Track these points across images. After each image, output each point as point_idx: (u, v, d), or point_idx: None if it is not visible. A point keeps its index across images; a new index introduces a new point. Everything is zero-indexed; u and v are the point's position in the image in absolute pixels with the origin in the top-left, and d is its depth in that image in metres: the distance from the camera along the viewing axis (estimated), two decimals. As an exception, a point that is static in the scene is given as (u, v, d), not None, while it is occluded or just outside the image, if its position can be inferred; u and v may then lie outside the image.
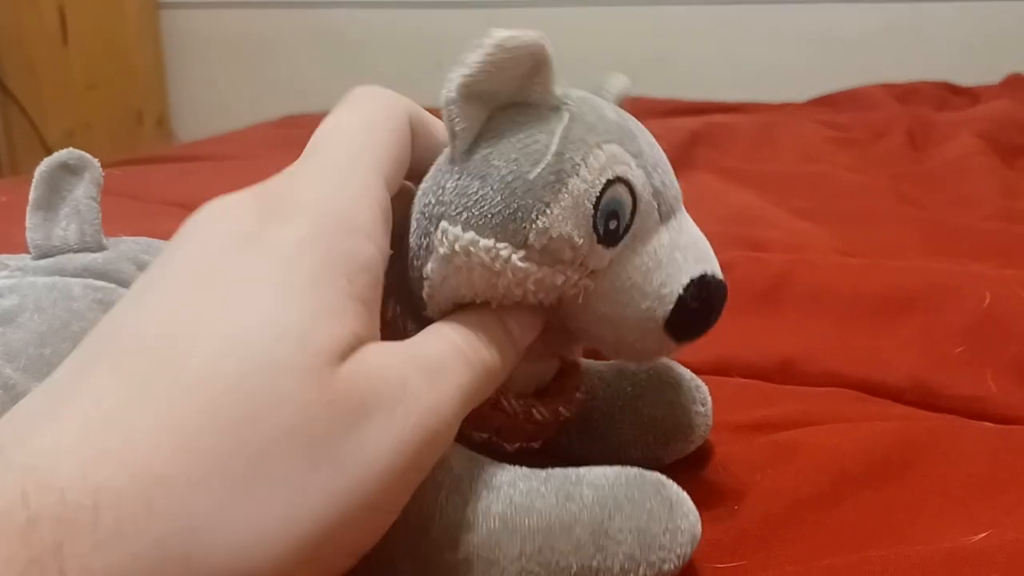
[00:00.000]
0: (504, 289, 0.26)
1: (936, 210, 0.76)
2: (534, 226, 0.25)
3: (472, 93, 0.25)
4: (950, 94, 1.35)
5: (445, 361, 0.24)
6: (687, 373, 0.35)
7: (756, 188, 0.82)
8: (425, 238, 0.26)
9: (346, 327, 0.22)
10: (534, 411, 0.29)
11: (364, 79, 0.29)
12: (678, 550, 0.26)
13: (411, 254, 0.27)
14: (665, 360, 0.35)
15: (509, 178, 0.25)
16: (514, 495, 0.26)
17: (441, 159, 0.27)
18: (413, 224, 0.27)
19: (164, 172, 0.94)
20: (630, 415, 0.33)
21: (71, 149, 0.37)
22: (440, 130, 0.28)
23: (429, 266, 0.26)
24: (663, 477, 0.27)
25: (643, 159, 0.27)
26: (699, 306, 0.27)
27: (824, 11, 1.71)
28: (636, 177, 0.27)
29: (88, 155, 0.37)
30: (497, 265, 0.25)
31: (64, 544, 0.17)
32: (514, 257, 0.25)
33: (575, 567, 0.25)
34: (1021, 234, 0.64)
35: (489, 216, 0.25)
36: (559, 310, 0.28)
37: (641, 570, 0.25)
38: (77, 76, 1.70)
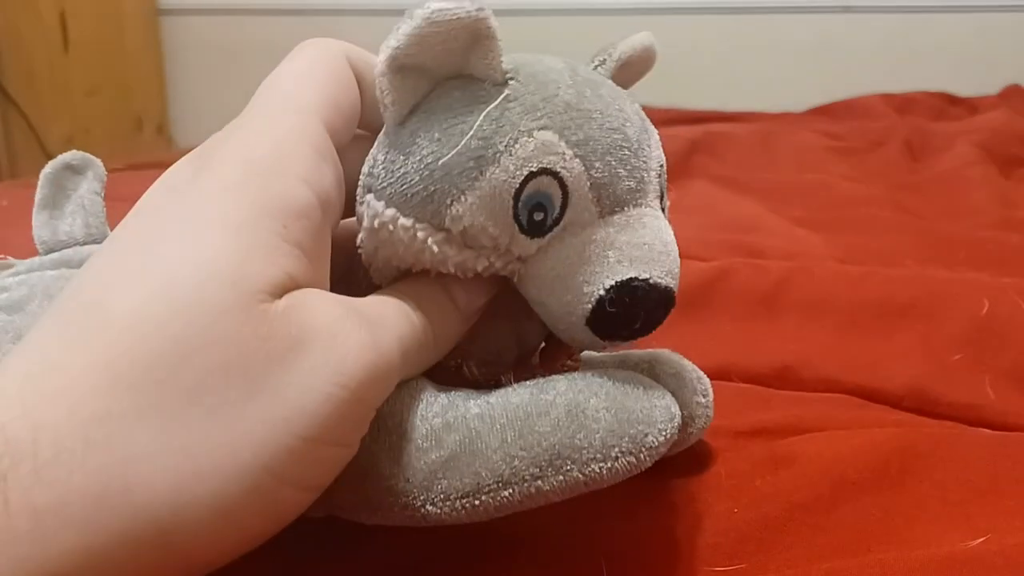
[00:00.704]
0: (431, 264, 0.26)
1: (933, 219, 0.77)
2: (449, 212, 0.25)
3: (404, 65, 0.25)
4: (948, 104, 1.35)
5: (384, 312, 0.25)
6: (688, 364, 0.34)
7: (754, 197, 0.82)
8: (360, 207, 0.26)
9: (278, 266, 0.22)
10: (502, 379, 0.28)
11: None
12: (659, 424, 0.25)
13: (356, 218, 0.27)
14: (667, 352, 0.35)
15: (429, 159, 0.25)
16: (489, 397, 0.26)
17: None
18: (357, 197, 0.27)
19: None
20: None
21: (74, 150, 0.38)
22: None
23: (360, 235, 0.27)
24: (635, 373, 0.27)
25: (587, 148, 0.26)
26: (619, 311, 0.26)
27: (822, 22, 1.72)
28: (569, 168, 0.25)
29: (90, 155, 0.38)
30: (416, 245, 0.25)
31: (7, 475, 0.18)
32: (431, 239, 0.25)
33: (557, 446, 0.24)
34: (1018, 244, 0.65)
35: (409, 195, 0.25)
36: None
37: (624, 443, 0.25)
38: (77, 82, 1.70)
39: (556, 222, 0.26)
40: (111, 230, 0.36)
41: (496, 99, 0.25)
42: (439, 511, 0.25)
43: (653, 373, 0.33)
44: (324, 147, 0.25)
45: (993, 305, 0.46)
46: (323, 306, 0.23)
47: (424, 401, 0.26)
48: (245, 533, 0.21)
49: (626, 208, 0.27)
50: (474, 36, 0.25)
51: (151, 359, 0.20)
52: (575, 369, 0.31)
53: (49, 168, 0.37)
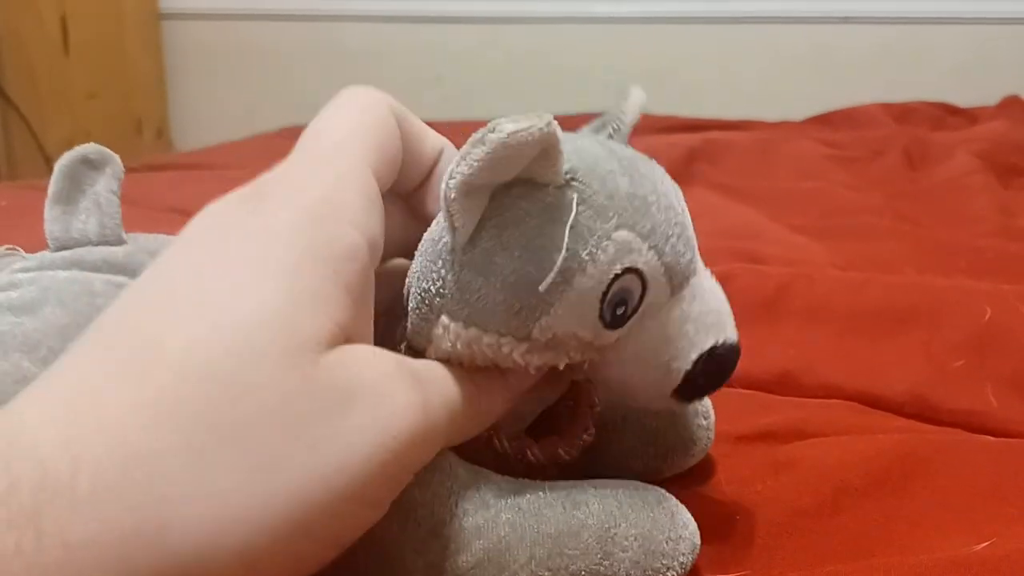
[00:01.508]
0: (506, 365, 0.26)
1: (933, 228, 0.77)
2: (537, 324, 0.25)
3: (473, 188, 0.24)
4: (947, 115, 1.35)
5: (435, 377, 0.25)
6: None
7: (754, 204, 0.82)
8: (424, 323, 0.26)
9: (329, 315, 0.22)
10: (528, 453, 0.28)
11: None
12: (680, 558, 0.26)
13: (409, 328, 0.27)
14: None
15: (512, 278, 0.24)
16: (521, 502, 0.26)
17: (434, 233, 0.26)
18: (411, 301, 0.27)
19: (165, 179, 0.94)
20: (632, 426, 0.33)
21: (93, 144, 0.36)
22: (421, 128, 0.28)
23: (430, 350, 0.26)
24: (662, 490, 0.28)
25: (655, 235, 0.26)
26: (708, 380, 0.27)
27: (823, 31, 1.72)
28: (648, 262, 0.25)
29: (109, 150, 0.36)
30: (500, 356, 0.26)
31: (43, 508, 0.18)
32: (516, 352, 0.25)
33: (583, 572, 0.25)
34: (1018, 252, 0.65)
35: (492, 313, 0.25)
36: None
37: (648, 565, 0.26)
38: (77, 85, 1.70)
39: (635, 311, 0.26)
40: (126, 233, 0.36)
41: (571, 207, 0.25)
42: None
43: None
44: (372, 193, 0.25)
45: (995, 312, 0.46)
46: (374, 361, 0.22)
47: (457, 494, 0.26)
48: None
49: (690, 279, 0.27)
50: (543, 148, 0.24)
51: (197, 401, 0.20)
52: (591, 443, 0.31)
53: (65, 160, 0.35)
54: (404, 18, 1.84)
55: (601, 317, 0.25)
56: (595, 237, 0.25)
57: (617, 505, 0.26)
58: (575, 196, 0.25)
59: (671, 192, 0.27)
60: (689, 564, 0.27)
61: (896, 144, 1.11)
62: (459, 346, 0.25)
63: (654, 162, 0.28)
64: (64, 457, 0.19)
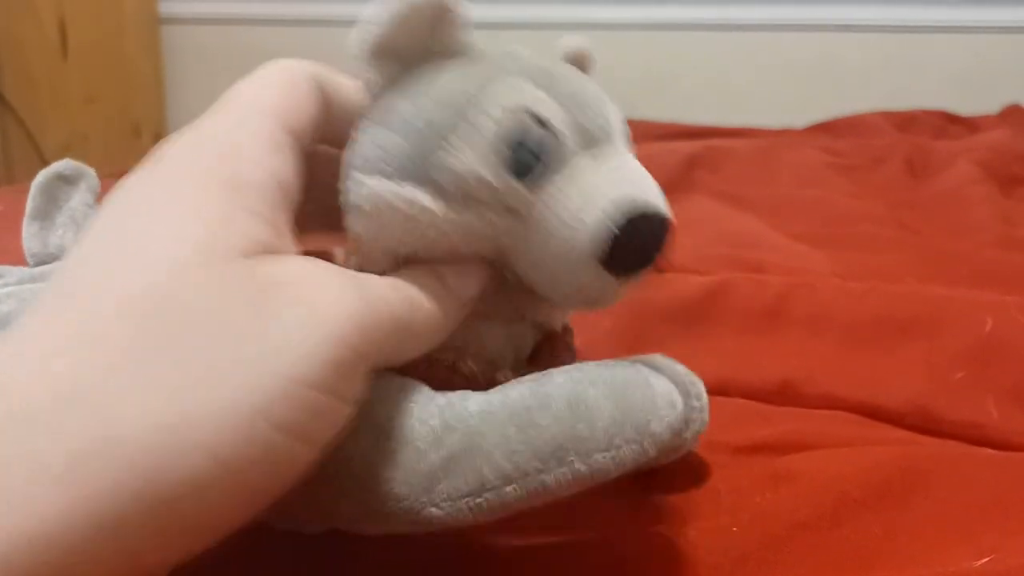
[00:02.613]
0: (428, 237, 0.26)
1: (934, 237, 0.76)
2: (439, 164, 0.25)
3: (380, 50, 0.26)
4: (948, 123, 1.35)
5: (371, 279, 0.25)
6: (681, 368, 0.34)
7: (754, 212, 0.82)
8: (348, 194, 0.27)
9: (242, 233, 0.23)
10: (498, 375, 0.28)
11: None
12: (661, 411, 0.26)
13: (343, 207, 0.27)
14: (658, 355, 0.34)
15: (411, 118, 0.26)
16: (488, 395, 0.25)
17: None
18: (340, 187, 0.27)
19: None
20: None
21: (67, 160, 0.37)
22: (350, 85, 0.29)
23: (351, 219, 0.27)
24: (633, 362, 0.27)
25: (558, 91, 0.27)
26: (624, 230, 0.25)
27: (824, 39, 1.72)
28: (549, 108, 0.26)
29: (84, 165, 0.37)
30: (410, 209, 0.25)
31: None
32: (425, 199, 0.25)
33: (559, 438, 0.24)
34: (1019, 262, 0.64)
35: (395, 160, 0.25)
36: (507, 264, 0.28)
37: (627, 431, 0.25)
38: (76, 88, 1.70)
39: (543, 162, 0.26)
40: None
41: (467, 60, 0.27)
42: (443, 513, 0.24)
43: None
44: (278, 138, 0.25)
45: (996, 323, 0.45)
46: (299, 263, 0.23)
47: (421, 403, 0.25)
48: (245, 488, 0.21)
49: (602, 146, 0.27)
50: (439, 10, 0.26)
51: (129, 324, 0.20)
52: None
53: (41, 178, 0.36)
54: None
55: (505, 162, 0.25)
56: (492, 82, 0.26)
57: (584, 375, 0.26)
58: (475, 55, 0.27)
59: (589, 83, 0.28)
60: (672, 418, 0.26)
61: (897, 153, 1.10)
62: (372, 201, 0.26)
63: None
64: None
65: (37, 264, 0.36)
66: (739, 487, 0.34)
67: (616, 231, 0.25)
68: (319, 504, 0.25)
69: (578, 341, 0.33)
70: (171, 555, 0.20)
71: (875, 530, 0.31)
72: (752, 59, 1.75)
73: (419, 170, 0.25)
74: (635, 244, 0.26)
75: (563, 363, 0.30)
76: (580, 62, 0.31)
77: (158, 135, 1.92)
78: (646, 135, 1.23)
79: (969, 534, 0.30)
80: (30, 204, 0.36)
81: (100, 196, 0.39)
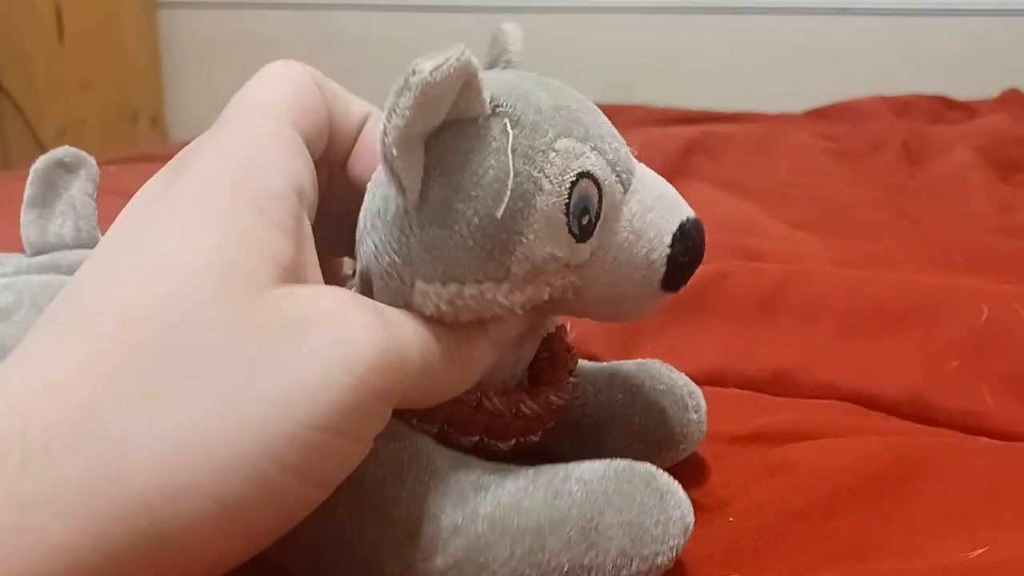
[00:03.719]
0: (491, 314, 0.26)
1: (931, 223, 0.76)
2: (514, 258, 0.25)
3: (410, 139, 0.23)
4: (946, 108, 1.35)
5: (402, 316, 0.24)
6: (680, 379, 0.34)
7: (752, 198, 0.82)
8: (398, 296, 0.25)
9: (266, 253, 0.22)
10: (522, 406, 0.28)
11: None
12: (671, 541, 0.26)
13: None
14: (658, 365, 0.34)
15: (476, 220, 0.24)
16: (502, 495, 0.25)
17: (376, 204, 0.26)
18: (377, 282, 0.26)
19: (158, 169, 0.93)
20: (621, 422, 0.33)
21: (67, 147, 0.36)
22: (345, 95, 0.28)
23: (424, 312, 0.26)
24: (653, 468, 0.27)
25: (591, 136, 0.26)
26: (689, 257, 0.27)
27: (822, 23, 1.71)
28: (596, 163, 0.26)
29: (84, 153, 0.37)
30: (485, 305, 0.25)
31: None
32: (499, 294, 0.25)
33: (567, 566, 0.24)
34: (1016, 249, 0.64)
35: (467, 263, 0.24)
36: (555, 306, 0.28)
37: (635, 564, 0.25)
38: (72, 74, 1.69)
39: (598, 216, 0.26)
40: (102, 234, 0.36)
41: (505, 131, 0.25)
42: None
43: (644, 388, 0.33)
44: (295, 145, 0.25)
45: (992, 312, 0.45)
46: (325, 291, 0.22)
47: (434, 491, 0.25)
48: (249, 530, 0.20)
49: (634, 173, 0.28)
50: (465, 80, 0.23)
51: (142, 347, 0.20)
52: (577, 384, 0.31)
53: (40, 164, 0.35)
54: (401, 6, 1.83)
55: (571, 231, 0.25)
56: (539, 153, 0.25)
57: (602, 492, 0.25)
58: (506, 120, 0.25)
59: (584, 99, 0.28)
60: (680, 546, 0.26)
61: (895, 138, 1.10)
62: (442, 306, 0.25)
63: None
64: (11, 420, 0.19)
65: (35, 253, 0.36)
66: (734, 477, 0.34)
67: (681, 260, 0.27)
68: (315, 570, 0.25)
69: (572, 334, 0.33)
70: None
71: (870, 520, 0.31)
72: (749, 44, 1.74)
73: (494, 269, 0.25)
74: (691, 258, 0.28)
75: (565, 369, 0.30)
76: (512, 48, 0.30)
77: (155, 121, 1.91)
78: (644, 120, 1.22)
79: (964, 524, 0.30)
80: (28, 191, 0.35)
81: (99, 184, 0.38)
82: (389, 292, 0.26)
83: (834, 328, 0.48)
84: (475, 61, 0.23)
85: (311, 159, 0.25)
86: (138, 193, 0.25)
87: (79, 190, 0.36)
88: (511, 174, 0.24)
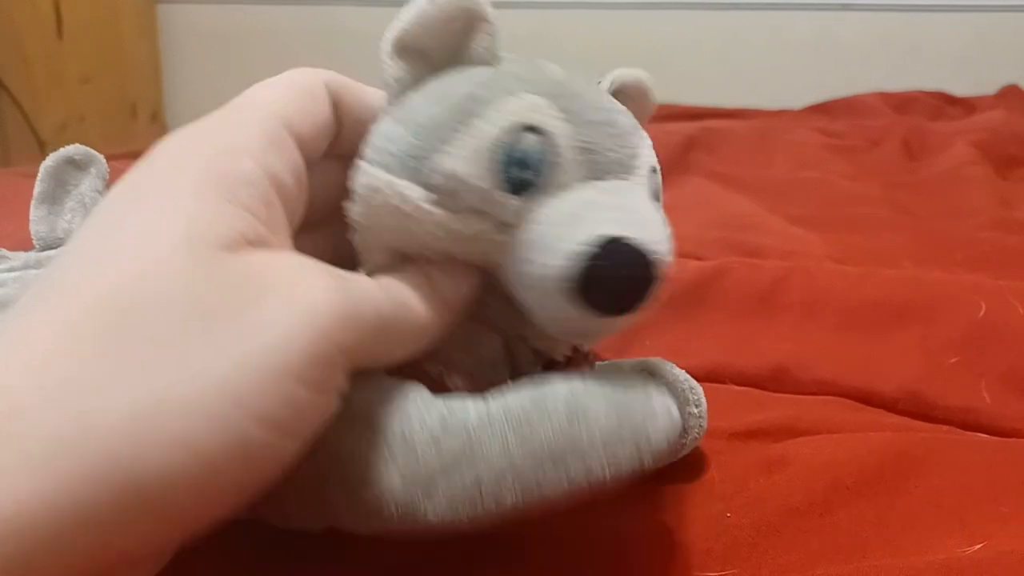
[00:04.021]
0: (419, 237, 0.26)
1: (931, 219, 0.76)
2: (436, 165, 0.25)
3: (407, 46, 0.26)
4: (946, 104, 1.35)
5: (357, 278, 0.25)
6: (680, 374, 0.34)
7: (751, 194, 0.82)
8: (350, 181, 0.27)
9: (230, 225, 0.22)
10: (491, 390, 0.28)
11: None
12: (661, 426, 0.25)
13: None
14: (658, 361, 0.34)
15: (420, 118, 0.26)
16: (488, 402, 0.25)
17: None
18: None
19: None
20: None
21: (78, 145, 0.37)
22: (366, 91, 0.29)
23: (353, 209, 0.27)
24: (633, 374, 0.27)
25: (574, 115, 0.26)
26: (607, 267, 0.24)
27: (822, 19, 1.71)
28: (558, 129, 0.26)
29: (94, 151, 0.37)
30: (404, 205, 0.25)
31: None
32: (418, 196, 0.25)
33: (559, 450, 0.24)
34: (1015, 245, 0.64)
35: (399, 155, 0.26)
36: (500, 278, 0.28)
37: (627, 446, 0.24)
38: (71, 69, 1.69)
39: (541, 180, 0.26)
40: None
41: (488, 69, 0.27)
42: (440, 518, 0.24)
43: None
44: (277, 137, 0.25)
45: (990, 308, 0.45)
46: (284, 257, 0.23)
47: (422, 407, 0.25)
48: (224, 480, 0.21)
49: (611, 179, 0.27)
50: (471, 20, 0.26)
51: (107, 315, 0.21)
52: None
53: (50, 161, 0.36)
54: (400, 2, 1.83)
55: (501, 174, 0.25)
56: (505, 92, 0.26)
57: (585, 387, 0.25)
58: (501, 66, 0.27)
59: (621, 114, 0.28)
60: (671, 433, 0.25)
61: (895, 134, 1.10)
62: (369, 190, 0.26)
63: (621, 107, 0.29)
64: None
65: (44, 248, 0.36)
66: (732, 473, 0.34)
67: (592, 266, 0.24)
68: (316, 503, 0.25)
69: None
70: (149, 545, 0.21)
71: (868, 516, 0.31)
72: (750, 39, 1.74)
73: (417, 167, 0.25)
74: (610, 283, 0.25)
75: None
76: (641, 95, 0.31)
77: (155, 115, 1.91)
78: (643, 116, 1.22)
79: (961, 520, 0.31)
80: (38, 188, 0.36)
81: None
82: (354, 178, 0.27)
83: (833, 324, 0.48)
84: (487, 7, 0.26)
85: (299, 156, 0.26)
86: (121, 179, 0.25)
87: (88, 187, 0.37)
88: (465, 88, 0.26)
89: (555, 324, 0.27)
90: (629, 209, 0.26)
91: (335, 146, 0.28)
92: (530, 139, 0.25)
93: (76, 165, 0.37)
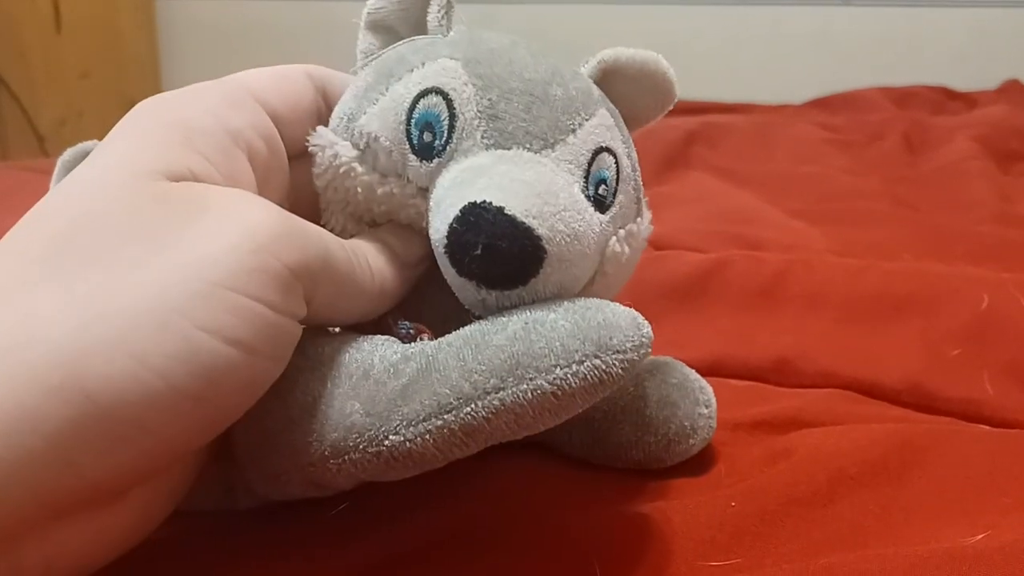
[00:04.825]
0: (359, 198, 0.28)
1: (932, 213, 0.76)
2: (361, 125, 0.27)
3: (375, 22, 0.30)
4: (946, 99, 1.35)
5: (307, 221, 0.25)
6: (692, 374, 0.34)
7: (752, 188, 0.82)
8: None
9: (178, 162, 0.23)
10: None
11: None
12: (624, 328, 0.24)
13: None
14: (669, 360, 0.34)
15: (360, 82, 0.29)
16: (447, 336, 0.25)
17: None
18: None
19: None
20: (631, 416, 0.33)
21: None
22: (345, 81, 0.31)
23: (313, 173, 0.28)
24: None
25: (487, 80, 0.26)
26: (463, 232, 0.24)
27: (822, 14, 1.71)
28: (460, 92, 0.26)
29: None
30: (338, 163, 0.27)
31: None
32: (348, 156, 0.27)
33: (517, 356, 0.23)
34: (1016, 239, 0.64)
35: (340, 116, 0.28)
36: None
37: (588, 347, 0.23)
38: (70, 64, 1.69)
39: (444, 146, 0.26)
40: None
41: (427, 39, 0.29)
42: (403, 439, 0.24)
43: (655, 382, 0.33)
44: (238, 99, 0.27)
45: (992, 300, 0.45)
46: (229, 188, 0.24)
47: (384, 349, 0.26)
48: (182, 396, 0.20)
49: (517, 149, 0.26)
50: None
51: (52, 236, 0.21)
52: None
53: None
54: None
55: (409, 137, 0.27)
56: (426, 58, 0.28)
57: (546, 305, 0.25)
58: (439, 37, 0.29)
59: (559, 87, 0.28)
60: (636, 337, 0.24)
61: (895, 128, 1.10)
62: (314, 145, 0.28)
63: (583, 80, 0.30)
64: None
65: None
66: (736, 463, 0.34)
67: (451, 231, 0.24)
68: (290, 450, 0.25)
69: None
70: (117, 471, 0.21)
71: (870, 507, 0.31)
72: (751, 34, 1.74)
73: (350, 128, 0.28)
74: (469, 249, 0.24)
75: None
76: (638, 75, 0.31)
77: (153, 111, 1.91)
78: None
79: (964, 511, 0.31)
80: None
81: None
82: None
83: (834, 317, 0.48)
84: None
85: (268, 121, 0.27)
86: None
87: None
88: (394, 57, 0.28)
89: (457, 292, 0.26)
90: (512, 177, 0.25)
91: None
92: (434, 102, 0.26)
93: None
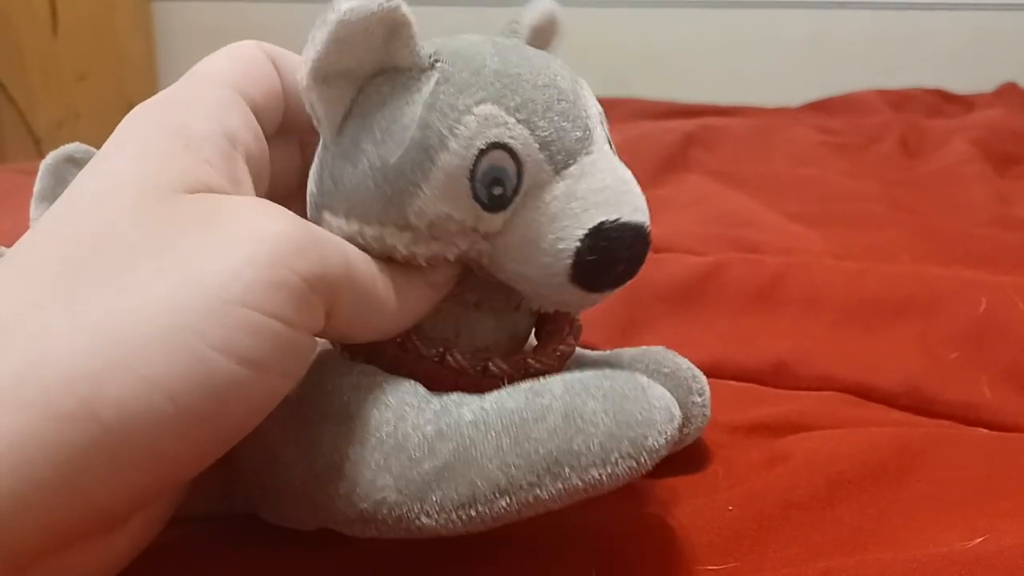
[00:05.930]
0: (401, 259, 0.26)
1: (929, 216, 0.76)
2: (411, 209, 0.25)
3: (328, 74, 0.25)
4: (943, 102, 1.35)
5: (321, 231, 0.24)
6: (684, 363, 0.34)
7: (749, 191, 0.82)
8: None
9: (183, 169, 0.23)
10: (490, 364, 0.28)
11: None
12: (659, 426, 0.25)
13: None
14: (660, 349, 0.34)
15: (378, 163, 0.25)
16: (483, 402, 0.25)
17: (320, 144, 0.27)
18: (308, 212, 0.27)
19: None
20: None
21: (78, 143, 0.37)
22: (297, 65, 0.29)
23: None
24: (630, 372, 0.26)
25: (527, 110, 0.26)
26: (598, 257, 0.25)
27: (819, 16, 1.71)
28: (517, 137, 0.25)
29: (94, 149, 0.37)
30: (387, 249, 0.26)
31: None
32: (399, 242, 0.25)
33: (555, 453, 0.24)
34: (1014, 242, 0.64)
35: (367, 203, 0.25)
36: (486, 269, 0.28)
37: (624, 447, 0.24)
38: (67, 66, 1.69)
39: (515, 192, 0.26)
40: None
41: (429, 84, 0.25)
42: (434, 523, 0.24)
43: (648, 372, 0.33)
44: (228, 100, 0.26)
45: (991, 304, 0.45)
46: (241, 197, 0.23)
47: (415, 408, 0.25)
48: (192, 417, 0.20)
49: (578, 158, 0.26)
50: (391, 28, 0.25)
51: (63, 255, 0.21)
52: (570, 353, 0.30)
53: (50, 159, 0.36)
54: None
55: (476, 198, 0.25)
56: (456, 112, 0.25)
57: (582, 386, 0.25)
58: (436, 75, 0.25)
59: (560, 76, 0.27)
60: (669, 433, 0.25)
61: (892, 131, 1.10)
62: (349, 239, 0.26)
63: (552, 57, 0.28)
64: None
65: None
66: (734, 467, 0.34)
67: (589, 258, 0.25)
68: (311, 506, 0.25)
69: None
70: (126, 494, 0.20)
71: (869, 510, 0.31)
72: (747, 37, 1.74)
73: (395, 216, 0.25)
74: (607, 265, 0.26)
75: (559, 337, 0.30)
76: (552, 25, 0.30)
77: (150, 113, 1.91)
78: (641, 114, 1.22)
79: (962, 515, 0.31)
80: (38, 185, 0.36)
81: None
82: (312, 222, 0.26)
83: (833, 320, 0.48)
84: (406, 12, 0.25)
85: (253, 118, 0.26)
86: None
87: None
88: (415, 122, 0.25)
89: (550, 304, 0.28)
90: (604, 190, 0.26)
91: (285, 119, 0.28)
92: (497, 156, 0.25)
93: (76, 163, 0.37)
